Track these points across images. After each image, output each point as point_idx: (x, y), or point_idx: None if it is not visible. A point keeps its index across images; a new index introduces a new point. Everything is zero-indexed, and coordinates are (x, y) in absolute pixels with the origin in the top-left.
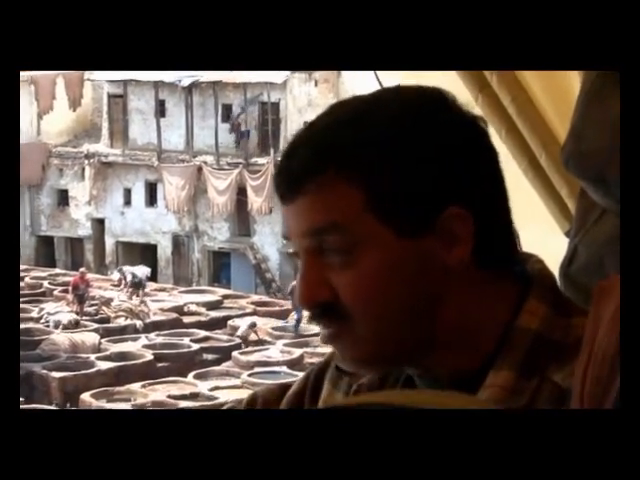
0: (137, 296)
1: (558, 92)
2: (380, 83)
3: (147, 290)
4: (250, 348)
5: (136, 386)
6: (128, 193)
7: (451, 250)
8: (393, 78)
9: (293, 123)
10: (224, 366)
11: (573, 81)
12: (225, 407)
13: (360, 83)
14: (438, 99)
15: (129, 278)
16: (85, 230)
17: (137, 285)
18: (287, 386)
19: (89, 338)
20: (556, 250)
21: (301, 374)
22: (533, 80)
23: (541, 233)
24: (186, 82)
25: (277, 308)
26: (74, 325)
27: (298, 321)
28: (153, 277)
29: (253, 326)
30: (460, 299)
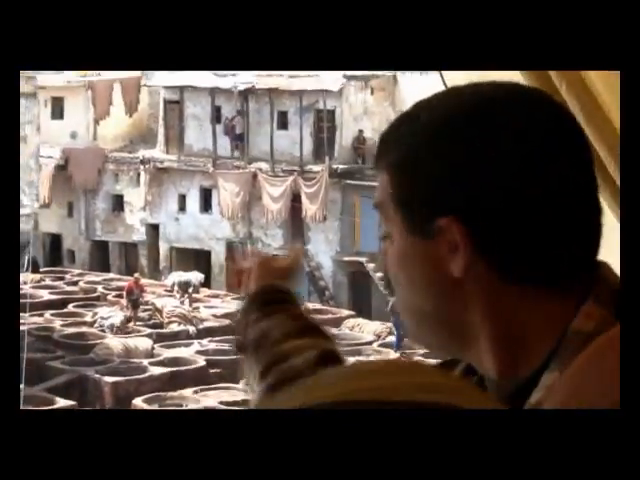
0: (190, 300)
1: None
2: (445, 85)
3: (200, 296)
4: None
5: (188, 392)
6: (183, 199)
7: (451, 258)
8: (458, 79)
9: (348, 131)
10: None
11: None
12: None
13: (416, 90)
14: (520, 104)
15: (191, 289)
16: (139, 235)
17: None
18: None
19: (142, 343)
20: None
21: None
22: (603, 87)
23: (613, 245)
24: (242, 88)
25: (330, 316)
26: (126, 323)
27: (397, 338)
28: (206, 283)
29: None
30: (496, 311)
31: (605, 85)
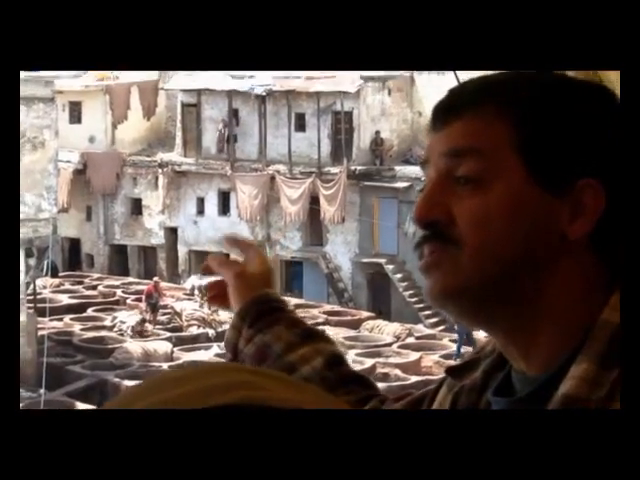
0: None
1: None
2: (459, 82)
3: None
4: None
5: None
6: (201, 202)
7: (574, 220)
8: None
9: (366, 132)
10: None
11: None
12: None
13: (433, 91)
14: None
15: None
16: (158, 239)
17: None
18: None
19: (162, 347)
20: None
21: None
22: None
23: None
24: (259, 91)
25: (349, 318)
26: (141, 324)
27: (459, 347)
28: None
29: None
30: (569, 279)
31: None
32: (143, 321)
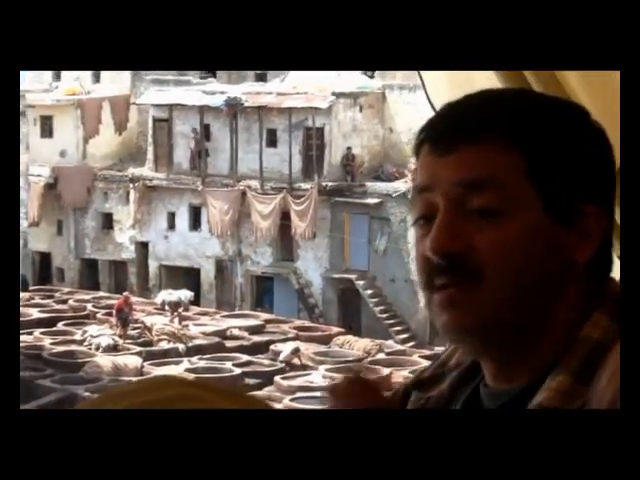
0: (179, 318)
1: (599, 89)
2: (428, 97)
3: (189, 314)
4: (292, 373)
5: None
6: (172, 217)
7: (580, 246)
8: (439, 85)
9: (338, 148)
10: (266, 391)
11: (611, 76)
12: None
13: (404, 108)
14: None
15: (181, 308)
16: (129, 253)
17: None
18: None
19: (132, 361)
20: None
21: None
22: (580, 88)
23: None
24: (231, 100)
25: (319, 333)
26: (112, 349)
27: None
28: (196, 301)
29: (296, 351)
30: (570, 303)
31: (584, 85)
32: (115, 347)
